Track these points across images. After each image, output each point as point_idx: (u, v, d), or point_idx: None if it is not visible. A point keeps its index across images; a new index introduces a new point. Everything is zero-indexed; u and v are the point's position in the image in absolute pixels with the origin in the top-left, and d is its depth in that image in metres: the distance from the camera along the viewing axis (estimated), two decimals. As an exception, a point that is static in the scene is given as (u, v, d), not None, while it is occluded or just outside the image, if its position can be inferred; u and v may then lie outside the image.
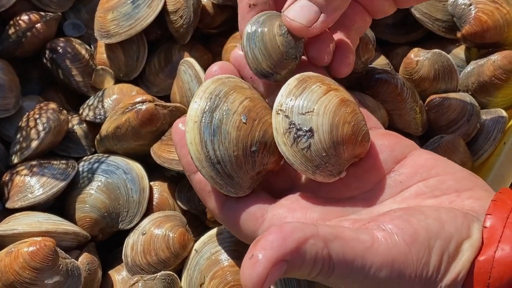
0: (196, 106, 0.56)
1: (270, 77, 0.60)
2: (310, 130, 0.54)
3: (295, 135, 0.54)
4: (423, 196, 0.55)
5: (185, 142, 0.55)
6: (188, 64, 0.75)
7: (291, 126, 0.55)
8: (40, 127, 0.71)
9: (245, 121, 0.55)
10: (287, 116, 0.55)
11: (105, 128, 0.73)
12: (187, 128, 0.55)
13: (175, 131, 0.60)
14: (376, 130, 0.62)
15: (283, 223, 0.48)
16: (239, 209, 0.57)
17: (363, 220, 0.52)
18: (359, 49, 0.75)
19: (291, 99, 0.56)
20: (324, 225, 0.49)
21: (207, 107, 0.55)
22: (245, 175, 0.56)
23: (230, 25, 0.83)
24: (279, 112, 0.56)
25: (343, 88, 0.59)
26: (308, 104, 0.55)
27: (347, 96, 0.57)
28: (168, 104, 0.73)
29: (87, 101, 0.79)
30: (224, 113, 0.55)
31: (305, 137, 0.54)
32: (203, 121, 0.55)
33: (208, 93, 0.56)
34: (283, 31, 0.59)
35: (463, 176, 0.56)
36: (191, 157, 0.55)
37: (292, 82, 0.57)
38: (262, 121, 0.56)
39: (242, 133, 0.55)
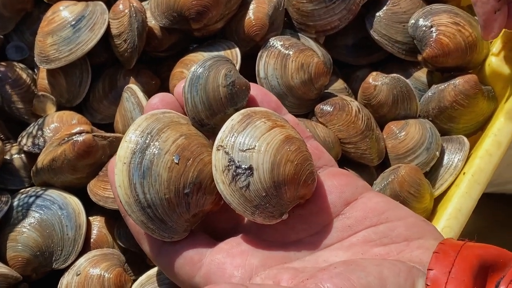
0: (126, 145, 0.53)
1: (205, 127, 0.57)
2: (250, 168, 0.51)
3: (234, 173, 0.52)
4: (371, 244, 0.52)
5: None
6: (131, 91, 0.71)
7: (230, 163, 0.52)
8: (-29, 160, 0.67)
9: (177, 161, 0.52)
10: (227, 153, 0.52)
11: (41, 160, 0.69)
12: (116, 170, 0.52)
13: (111, 169, 0.57)
14: (328, 169, 0.59)
15: (211, 285, 0.45)
16: (175, 253, 0.54)
17: (305, 270, 0.50)
18: (312, 75, 0.72)
19: (233, 135, 0.53)
20: (255, 284, 0.48)
21: (137, 147, 0.52)
22: (179, 218, 0.52)
23: (179, 49, 0.79)
24: (219, 148, 0.53)
25: (289, 125, 0.56)
26: (250, 141, 0.52)
27: (293, 133, 0.54)
28: (108, 134, 0.69)
29: (26, 129, 0.75)
30: (155, 153, 0.52)
31: (244, 175, 0.51)
32: (133, 162, 0.52)
33: (139, 131, 0.53)
34: (229, 82, 0.56)
35: (414, 223, 0.54)
36: (120, 201, 0.52)
37: (236, 117, 0.55)
38: (197, 160, 0.53)
39: (174, 174, 0.52)
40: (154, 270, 0.65)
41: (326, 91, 0.77)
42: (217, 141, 0.54)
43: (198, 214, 0.54)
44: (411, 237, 0.52)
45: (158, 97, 0.59)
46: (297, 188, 0.53)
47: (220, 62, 0.58)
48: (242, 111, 0.56)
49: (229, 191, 0.52)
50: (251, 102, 0.59)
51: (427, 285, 0.46)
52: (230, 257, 0.53)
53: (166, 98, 0.59)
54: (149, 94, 0.71)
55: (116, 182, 0.52)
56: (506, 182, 1.21)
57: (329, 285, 0.44)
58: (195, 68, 0.57)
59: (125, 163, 0.52)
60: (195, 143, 0.54)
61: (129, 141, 0.53)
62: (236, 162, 0.52)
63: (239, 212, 0.53)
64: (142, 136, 0.52)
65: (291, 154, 0.52)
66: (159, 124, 0.53)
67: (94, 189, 0.68)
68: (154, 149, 0.52)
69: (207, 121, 0.56)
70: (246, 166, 0.51)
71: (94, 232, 0.70)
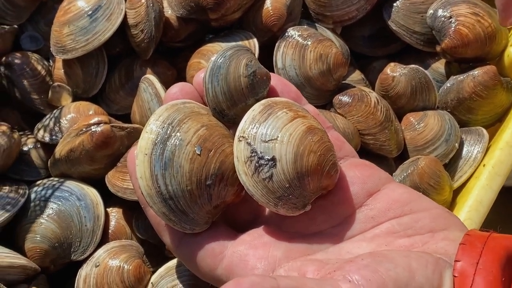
0: (147, 136, 0.52)
1: (226, 117, 0.56)
2: (273, 159, 0.51)
3: (256, 164, 0.51)
4: (395, 235, 0.52)
5: None
6: (148, 81, 0.71)
7: (253, 154, 0.51)
8: (-12, 151, 0.67)
9: (199, 153, 0.51)
10: (249, 144, 0.52)
11: (58, 151, 0.68)
12: (137, 161, 0.52)
13: (130, 160, 0.56)
14: (349, 159, 0.58)
15: (240, 277, 0.44)
16: (196, 245, 0.54)
17: (329, 262, 0.49)
18: (330, 65, 0.71)
19: (254, 126, 0.52)
20: (284, 277, 0.46)
21: (158, 138, 0.52)
22: (201, 210, 0.52)
23: (195, 39, 0.79)
24: (241, 139, 0.52)
25: (311, 115, 0.55)
26: (272, 132, 0.52)
27: (315, 124, 0.54)
28: (125, 125, 0.69)
29: (43, 120, 0.74)
30: (177, 144, 0.51)
31: (267, 166, 0.51)
32: (154, 153, 0.51)
33: (160, 122, 0.52)
34: (250, 72, 0.56)
35: (438, 214, 0.53)
36: (141, 193, 0.52)
37: (257, 108, 0.54)
38: (219, 151, 0.52)
39: (196, 165, 0.51)
40: (173, 262, 0.64)
41: (344, 82, 0.77)
42: (238, 132, 0.53)
43: (219, 206, 0.53)
44: (436, 228, 0.52)
45: (177, 87, 0.58)
46: (320, 179, 0.52)
47: (240, 52, 0.57)
48: (263, 101, 0.55)
49: (252, 182, 0.51)
50: (272, 92, 0.58)
51: (455, 276, 0.45)
52: (253, 249, 0.52)
53: (185, 88, 0.58)
54: (165, 84, 0.71)
55: (137, 173, 0.52)
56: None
57: (357, 277, 0.44)
58: (216, 58, 0.56)
59: (146, 154, 0.51)
60: (216, 134, 0.53)
61: (150, 131, 0.52)
62: (259, 153, 0.51)
63: (262, 204, 0.52)
64: (163, 127, 0.52)
65: (314, 144, 0.52)
66: (180, 114, 0.53)
67: (113, 180, 0.67)
68: (176, 140, 0.51)
69: (228, 111, 0.56)
70: (269, 157, 0.51)
71: (112, 223, 0.69)
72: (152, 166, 0.51)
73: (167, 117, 0.52)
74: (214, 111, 0.56)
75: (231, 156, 0.53)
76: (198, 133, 0.52)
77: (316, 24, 0.79)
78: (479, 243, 0.47)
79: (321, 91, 0.73)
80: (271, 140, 0.51)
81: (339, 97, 0.73)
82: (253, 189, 0.51)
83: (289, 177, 0.51)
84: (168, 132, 0.52)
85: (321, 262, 0.50)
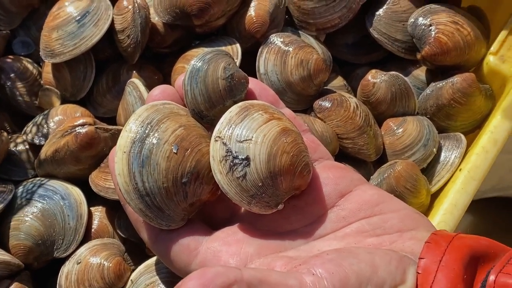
0: (126, 135, 0.54)
1: (204, 118, 0.58)
2: (247, 158, 0.52)
3: (231, 163, 0.53)
4: (364, 234, 0.53)
5: None
6: (133, 85, 0.73)
7: (228, 154, 0.53)
8: (-24, 150, 0.69)
9: (175, 151, 0.53)
10: (224, 144, 0.53)
11: (44, 152, 0.70)
12: (116, 159, 0.53)
13: (111, 158, 0.58)
14: (323, 162, 0.60)
15: (205, 268, 0.45)
16: (171, 241, 0.55)
17: (299, 258, 0.50)
18: (311, 71, 0.73)
19: (230, 127, 0.54)
20: (250, 268, 0.47)
21: (137, 136, 0.53)
22: (177, 207, 0.53)
23: (181, 45, 0.81)
24: (217, 139, 0.54)
25: (286, 118, 0.57)
26: (247, 132, 0.53)
27: (289, 126, 0.55)
28: (110, 127, 0.71)
29: (31, 122, 0.76)
30: (155, 143, 0.53)
31: (241, 165, 0.52)
32: (132, 151, 0.53)
33: (140, 121, 0.54)
34: (227, 75, 0.57)
35: (407, 215, 0.55)
36: (119, 189, 0.53)
37: (234, 109, 0.56)
38: (195, 150, 0.54)
39: (172, 164, 0.53)
40: (152, 260, 0.66)
41: (325, 87, 0.78)
42: (215, 132, 0.54)
43: (195, 203, 0.55)
44: (404, 229, 0.53)
45: (159, 89, 0.60)
46: (292, 178, 0.54)
47: (219, 55, 0.59)
48: (240, 103, 0.56)
49: (226, 180, 0.53)
50: (249, 96, 0.60)
51: (418, 273, 0.47)
52: (226, 245, 0.53)
53: (167, 90, 0.60)
54: (151, 89, 0.72)
55: (116, 171, 0.53)
56: (508, 187, 1.21)
57: (321, 271, 0.45)
58: (195, 61, 0.58)
59: (125, 152, 0.53)
60: (194, 134, 0.55)
61: (129, 130, 0.54)
62: (234, 152, 0.53)
63: (235, 202, 0.54)
64: (142, 126, 0.53)
65: (287, 145, 0.53)
66: (159, 114, 0.55)
67: (96, 179, 0.69)
68: (154, 139, 0.53)
69: (207, 112, 0.57)
70: (243, 157, 0.52)
71: (95, 222, 0.71)
72: (130, 164, 0.52)
73: (146, 117, 0.54)
74: (193, 112, 0.58)
75: (207, 156, 0.54)
76: (176, 133, 0.54)
77: (300, 31, 0.81)
78: (444, 242, 0.48)
79: (302, 96, 0.75)
80: (246, 140, 0.53)
81: (319, 102, 0.75)
82: (228, 187, 0.53)
83: (262, 176, 0.52)
84: (146, 131, 0.53)
85: (290, 258, 0.51)
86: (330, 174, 0.58)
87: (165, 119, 0.54)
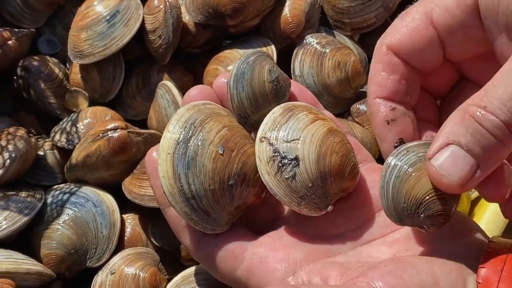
0: (170, 136, 0.52)
1: (249, 122, 0.56)
2: (296, 158, 0.51)
3: (279, 164, 0.51)
4: (414, 240, 0.51)
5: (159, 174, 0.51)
6: (166, 88, 0.71)
7: (275, 154, 0.51)
8: (5, 156, 0.66)
9: (222, 152, 0.51)
10: (271, 144, 0.52)
11: (75, 157, 0.68)
12: (159, 160, 0.51)
13: (149, 160, 0.56)
14: (368, 164, 0.58)
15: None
16: (216, 246, 0.53)
17: (351, 266, 0.49)
18: (348, 73, 0.71)
19: (276, 127, 0.53)
20: (308, 286, 0.47)
21: (181, 137, 0.51)
22: (223, 210, 0.52)
23: (213, 45, 0.78)
24: (263, 139, 0.52)
25: (330, 119, 0.55)
26: (294, 132, 0.52)
27: (335, 126, 0.54)
28: (142, 131, 0.69)
29: (59, 125, 0.74)
30: (200, 144, 0.51)
31: (290, 165, 0.51)
32: (177, 152, 0.51)
33: (182, 122, 0.52)
34: (273, 78, 0.55)
35: (459, 219, 0.53)
36: (164, 192, 0.51)
37: (277, 110, 0.54)
38: (241, 151, 0.52)
39: (219, 165, 0.51)
40: (189, 271, 0.64)
41: (361, 90, 0.76)
42: (259, 133, 0.53)
43: (240, 207, 0.53)
44: (457, 234, 0.51)
45: (197, 89, 0.58)
46: (342, 179, 0.52)
47: (262, 57, 0.57)
48: (282, 104, 0.55)
49: (275, 182, 0.51)
50: (291, 98, 0.58)
51: (479, 283, 0.45)
52: (273, 251, 0.52)
53: (205, 90, 0.58)
54: (182, 90, 0.71)
55: (159, 172, 0.51)
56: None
57: (381, 284, 0.43)
58: (239, 64, 0.56)
59: (169, 153, 0.51)
60: (238, 135, 0.53)
61: (172, 131, 0.52)
62: (282, 152, 0.51)
63: (284, 203, 0.52)
64: (186, 127, 0.52)
65: (336, 145, 0.52)
66: (201, 115, 0.53)
67: (130, 186, 0.67)
68: (198, 140, 0.51)
69: (253, 116, 0.55)
70: (292, 157, 0.51)
71: (128, 230, 0.69)
72: (175, 165, 0.51)
73: (189, 117, 0.52)
74: (240, 116, 0.55)
75: (252, 157, 0.53)
76: (220, 133, 0.52)
77: (334, 31, 0.79)
78: (503, 250, 0.46)
79: (339, 99, 0.73)
80: (294, 140, 0.51)
81: (357, 106, 0.73)
82: (276, 188, 0.51)
83: (312, 176, 0.51)
84: (190, 132, 0.51)
85: (342, 266, 0.49)
86: (376, 177, 0.56)
87: (208, 119, 0.53)
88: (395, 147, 0.50)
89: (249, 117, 0.55)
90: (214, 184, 0.51)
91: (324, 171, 0.51)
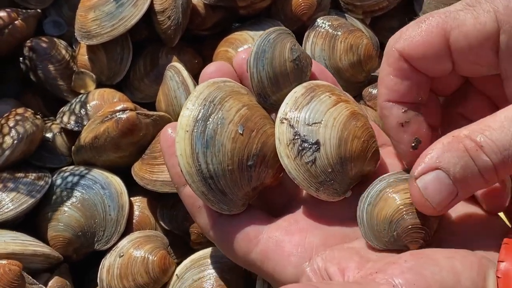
0: (188, 113, 0.50)
1: (268, 101, 0.54)
2: (317, 143, 0.50)
3: (299, 147, 0.50)
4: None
5: (174, 151, 0.50)
6: (175, 69, 0.69)
7: (296, 137, 0.50)
8: (12, 136, 0.65)
9: (241, 132, 0.50)
10: (292, 126, 0.50)
11: (83, 138, 0.67)
12: (177, 138, 0.50)
13: (164, 137, 0.55)
14: (387, 148, 0.57)
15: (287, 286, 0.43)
16: (232, 227, 0.53)
17: (369, 257, 0.48)
18: (361, 57, 0.70)
19: (297, 108, 0.51)
20: (327, 283, 0.46)
21: (200, 115, 0.50)
22: (240, 191, 0.51)
23: (223, 27, 0.77)
24: (283, 121, 0.51)
25: (352, 100, 0.54)
26: (316, 115, 0.51)
27: (358, 109, 0.53)
28: (151, 113, 0.67)
29: (66, 107, 0.73)
30: (219, 122, 0.50)
31: (311, 150, 0.50)
32: (196, 130, 0.50)
33: (201, 99, 0.51)
34: (295, 56, 0.54)
35: (477, 209, 0.52)
36: (181, 170, 0.50)
37: (299, 90, 0.53)
38: (261, 132, 0.51)
39: (238, 145, 0.50)
40: (198, 254, 0.63)
41: (373, 74, 0.75)
42: (280, 114, 0.52)
43: (258, 188, 0.52)
44: (478, 225, 0.51)
45: (214, 66, 0.56)
46: (362, 165, 0.51)
47: (283, 35, 0.55)
48: (305, 84, 0.54)
49: (294, 165, 0.50)
50: (311, 78, 0.57)
51: (498, 277, 0.44)
52: (289, 235, 0.51)
53: (223, 67, 0.56)
54: (191, 73, 0.70)
55: (177, 151, 0.50)
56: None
57: (401, 281, 0.42)
58: (260, 41, 0.54)
59: (187, 131, 0.50)
60: (258, 114, 0.52)
61: (191, 109, 0.50)
62: (302, 136, 0.50)
63: (303, 188, 0.51)
64: (205, 104, 0.50)
65: (358, 130, 0.51)
66: (221, 92, 0.51)
67: (140, 173, 0.66)
68: (218, 118, 0.50)
69: (273, 96, 0.54)
70: (312, 141, 0.50)
71: (136, 213, 0.68)
72: (194, 144, 0.49)
73: (208, 95, 0.51)
74: (259, 96, 0.54)
75: (272, 138, 0.52)
76: (240, 112, 0.51)
77: (346, 14, 0.77)
78: None
79: (351, 83, 0.72)
80: (315, 123, 0.50)
81: (369, 89, 0.72)
82: (295, 172, 0.50)
83: (333, 162, 0.50)
84: (210, 109, 0.50)
85: (360, 256, 0.48)
86: (396, 161, 0.55)
87: (228, 97, 0.51)
88: (413, 147, 0.50)
89: (269, 97, 0.54)
90: (233, 164, 0.50)
91: (345, 156, 0.50)
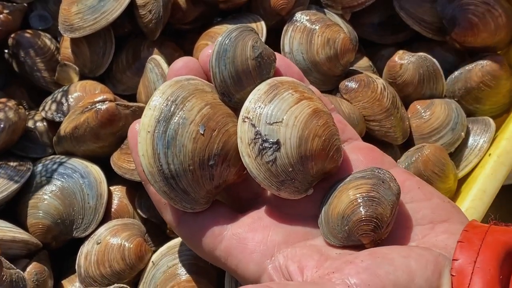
0: (150, 113, 0.52)
1: (232, 100, 0.55)
2: (277, 142, 0.50)
3: (260, 147, 0.51)
4: (395, 224, 0.51)
5: None
6: (155, 62, 0.71)
7: (257, 137, 0.51)
8: (-5, 125, 0.67)
9: (202, 132, 0.51)
10: (253, 125, 0.51)
11: (63, 128, 0.68)
12: (139, 138, 0.51)
13: (132, 134, 0.56)
14: (352, 142, 0.58)
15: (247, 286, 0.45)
16: (196, 225, 0.54)
17: (329, 255, 0.49)
18: (337, 50, 0.71)
19: (259, 106, 0.52)
20: (280, 284, 0.47)
21: (162, 115, 0.51)
22: (202, 189, 0.52)
23: (203, 21, 0.78)
24: (245, 119, 0.52)
25: (317, 97, 0.55)
26: (277, 114, 0.51)
27: (320, 106, 0.53)
28: (130, 104, 0.69)
29: (48, 97, 0.74)
30: (180, 123, 0.51)
31: (271, 149, 0.50)
32: (157, 131, 0.51)
33: (164, 99, 0.52)
34: (257, 54, 0.54)
35: (439, 205, 0.53)
36: (143, 170, 0.51)
37: (262, 87, 0.53)
38: (222, 131, 0.52)
39: (199, 145, 0.51)
40: (174, 241, 0.64)
41: (351, 68, 0.76)
42: (242, 111, 0.52)
43: (220, 185, 0.53)
44: (436, 220, 0.51)
45: (182, 61, 0.57)
46: (324, 163, 0.52)
47: (245, 32, 0.56)
48: (268, 81, 0.54)
49: (255, 165, 0.51)
50: (276, 73, 0.57)
51: (453, 275, 0.45)
52: (252, 232, 0.52)
53: (190, 63, 0.57)
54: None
55: (139, 151, 0.51)
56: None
57: (356, 281, 0.43)
58: (222, 40, 0.54)
59: (149, 131, 0.51)
60: (220, 113, 0.53)
61: (154, 108, 0.51)
62: (263, 135, 0.51)
63: (264, 187, 0.52)
64: (167, 104, 0.51)
65: (319, 128, 0.51)
66: (184, 91, 0.52)
67: (118, 162, 0.67)
68: (179, 119, 0.51)
69: (236, 95, 0.54)
70: (273, 140, 0.50)
71: (115, 201, 0.69)
72: (155, 144, 0.51)
73: (170, 94, 0.52)
74: (223, 95, 0.54)
75: (234, 136, 0.53)
76: (202, 112, 0.52)
77: (325, 10, 0.79)
78: (477, 240, 0.46)
79: (328, 76, 0.73)
80: (276, 122, 0.51)
81: (346, 83, 0.72)
82: (256, 171, 0.51)
83: (293, 161, 0.50)
84: (171, 109, 0.51)
85: (321, 254, 0.49)
86: (361, 156, 0.56)
87: (191, 96, 0.52)
88: None
89: (233, 95, 0.54)
90: (194, 164, 0.51)
91: (305, 155, 0.51)
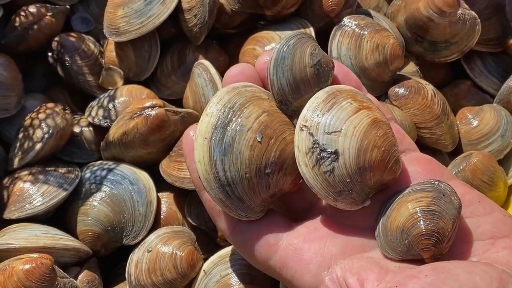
0: (207, 120, 0.51)
1: (290, 108, 0.54)
2: (335, 152, 0.49)
3: (318, 156, 0.50)
4: (455, 239, 0.50)
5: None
6: (203, 67, 0.70)
7: (315, 146, 0.50)
8: (43, 130, 0.66)
9: (260, 140, 0.50)
10: (311, 134, 0.50)
11: (112, 134, 0.68)
12: (196, 145, 0.51)
13: (186, 140, 0.55)
14: (410, 153, 0.57)
15: None
16: (251, 233, 0.53)
17: (389, 268, 0.48)
18: (387, 56, 0.70)
19: (317, 115, 0.51)
20: None
21: (219, 122, 0.50)
22: (258, 198, 0.51)
23: (249, 26, 0.77)
24: (303, 128, 0.51)
25: (375, 106, 0.53)
26: (336, 123, 0.50)
27: (380, 116, 0.52)
28: (180, 109, 0.68)
29: (94, 102, 0.74)
30: (238, 130, 0.50)
31: (329, 159, 0.49)
32: (214, 137, 0.50)
33: (221, 105, 0.51)
34: (315, 61, 0.53)
35: (500, 219, 0.51)
36: (199, 177, 0.51)
37: (320, 95, 0.52)
38: (279, 139, 0.51)
39: (256, 153, 0.50)
40: (226, 250, 0.64)
41: (399, 73, 0.75)
42: (300, 119, 0.51)
43: (276, 194, 0.52)
44: (497, 235, 0.50)
45: (238, 68, 0.56)
46: (382, 174, 0.51)
47: (303, 39, 0.55)
48: (327, 89, 0.53)
49: (312, 174, 0.50)
50: (334, 81, 0.56)
51: None
52: (308, 242, 0.51)
53: (246, 70, 0.56)
54: (217, 70, 0.70)
55: (195, 157, 0.51)
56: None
57: None
58: (280, 47, 0.53)
59: (206, 138, 0.50)
60: (277, 121, 0.52)
61: (211, 115, 0.51)
62: (321, 145, 0.50)
63: (320, 197, 0.51)
64: (224, 111, 0.51)
65: (378, 139, 0.50)
66: (241, 98, 0.52)
67: (168, 170, 0.67)
68: (236, 125, 0.50)
69: (294, 102, 0.53)
70: (331, 150, 0.49)
71: (164, 209, 0.68)
72: (212, 151, 0.50)
73: (228, 101, 0.51)
74: (281, 103, 0.53)
75: (291, 145, 0.52)
76: (259, 119, 0.51)
77: (372, 13, 0.77)
78: None
79: (376, 82, 0.72)
80: (335, 132, 0.50)
81: (395, 89, 0.72)
82: (313, 181, 0.50)
83: (351, 171, 0.49)
84: (229, 116, 0.50)
85: (380, 266, 0.48)
86: (419, 168, 0.55)
87: (248, 103, 0.51)
88: None
89: (290, 103, 0.53)
90: (250, 172, 0.50)
91: (364, 166, 0.50)
